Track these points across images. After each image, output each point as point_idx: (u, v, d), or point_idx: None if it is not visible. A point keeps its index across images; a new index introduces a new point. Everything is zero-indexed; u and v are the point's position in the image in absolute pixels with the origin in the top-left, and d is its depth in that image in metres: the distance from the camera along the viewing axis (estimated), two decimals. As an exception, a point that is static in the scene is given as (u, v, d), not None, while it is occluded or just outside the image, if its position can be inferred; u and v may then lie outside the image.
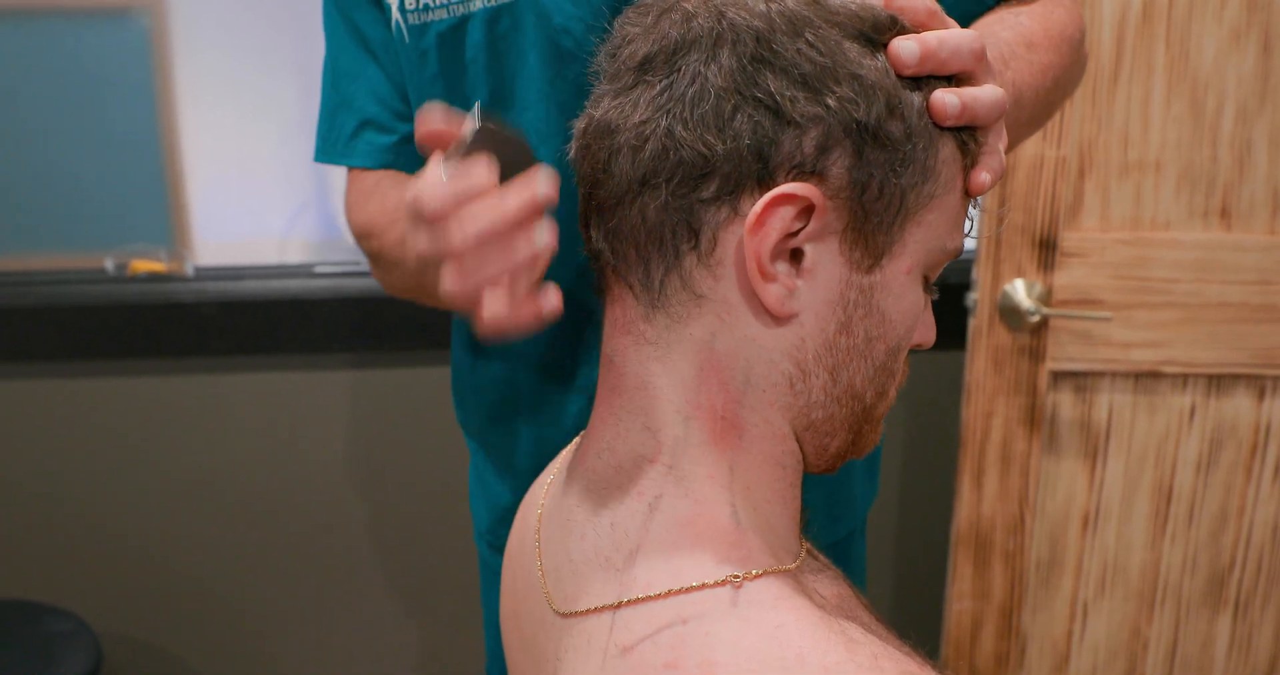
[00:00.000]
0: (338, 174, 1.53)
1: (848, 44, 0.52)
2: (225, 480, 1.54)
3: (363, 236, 0.88)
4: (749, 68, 0.52)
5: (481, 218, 0.53)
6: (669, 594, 0.53)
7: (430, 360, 1.51)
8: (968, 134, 0.55)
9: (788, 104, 0.51)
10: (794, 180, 0.51)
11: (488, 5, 0.80)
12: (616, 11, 0.69)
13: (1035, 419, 1.36)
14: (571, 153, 0.58)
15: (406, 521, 1.59)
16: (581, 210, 0.57)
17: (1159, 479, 1.38)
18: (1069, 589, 1.41)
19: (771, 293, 0.53)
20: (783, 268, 0.53)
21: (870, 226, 0.53)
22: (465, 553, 1.59)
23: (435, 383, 1.54)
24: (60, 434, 1.51)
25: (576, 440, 0.66)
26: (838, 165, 0.52)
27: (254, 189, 1.53)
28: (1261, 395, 1.35)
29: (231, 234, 1.54)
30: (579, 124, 0.57)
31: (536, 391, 0.89)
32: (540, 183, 0.54)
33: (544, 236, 0.54)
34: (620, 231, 0.55)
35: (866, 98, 0.52)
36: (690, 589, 0.53)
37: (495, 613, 0.84)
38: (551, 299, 0.56)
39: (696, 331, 0.54)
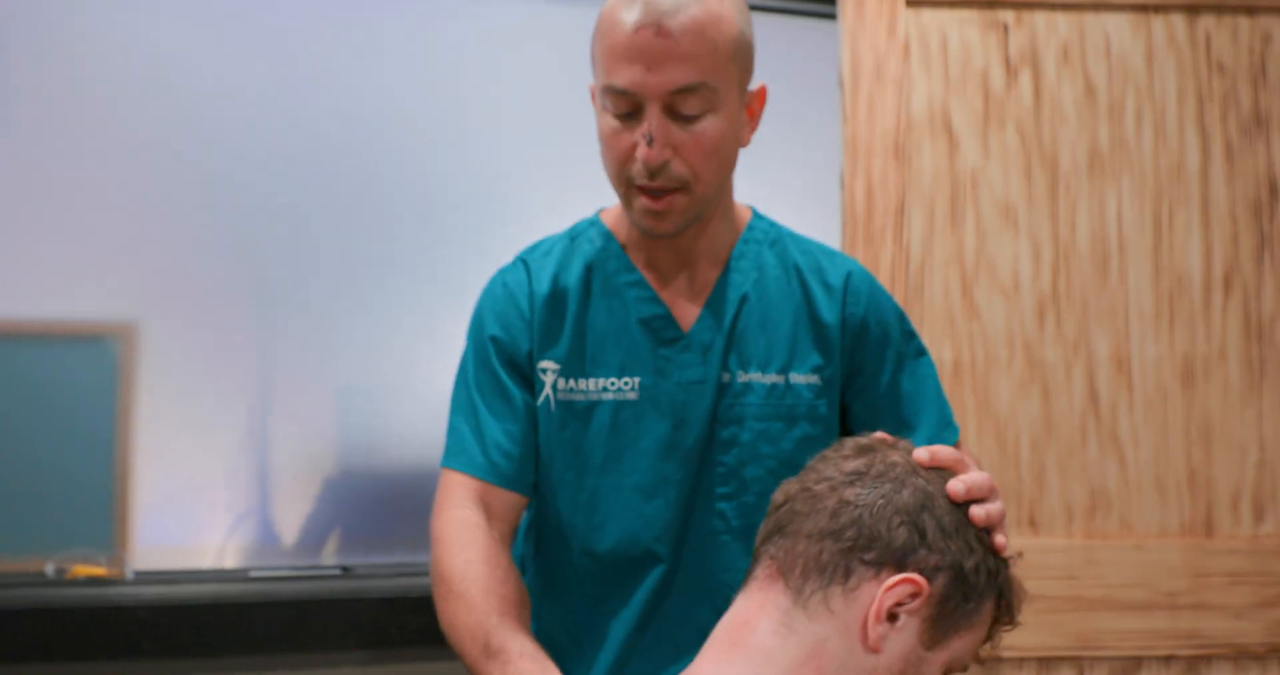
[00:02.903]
0: (282, 485, 1.69)
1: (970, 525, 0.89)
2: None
3: (439, 580, 1.08)
4: (918, 505, 0.85)
5: None
6: None
7: (362, 660, 1.60)
8: (1005, 605, 0.90)
9: (931, 536, 0.85)
10: (917, 574, 0.83)
11: (616, 399, 1.15)
12: (725, 412, 1.16)
13: (905, 701, 1.58)
14: (779, 495, 0.89)
15: None
16: (767, 528, 0.88)
17: (1011, 753, 1.59)
18: None
19: (876, 630, 0.82)
20: (886, 620, 0.83)
21: (939, 624, 0.84)
22: None
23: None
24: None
25: None
26: (939, 581, 0.84)
27: (198, 498, 1.65)
28: (1082, 673, 1.62)
29: (173, 540, 1.64)
30: (789, 486, 0.89)
31: (579, 641, 1.11)
32: None
33: None
34: (796, 552, 0.85)
35: (971, 556, 0.86)
36: None
37: None
38: None
39: (820, 631, 0.82)
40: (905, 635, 0.83)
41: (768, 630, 0.82)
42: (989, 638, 0.91)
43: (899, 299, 1.66)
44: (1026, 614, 1.59)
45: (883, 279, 1.66)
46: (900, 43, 1.69)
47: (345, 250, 1.73)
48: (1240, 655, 1.64)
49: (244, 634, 1.56)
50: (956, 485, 0.86)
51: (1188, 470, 1.68)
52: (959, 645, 0.86)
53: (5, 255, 1.62)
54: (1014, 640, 1.60)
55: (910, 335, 1.27)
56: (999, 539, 0.88)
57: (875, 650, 0.82)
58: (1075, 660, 1.62)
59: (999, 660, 1.60)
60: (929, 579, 0.83)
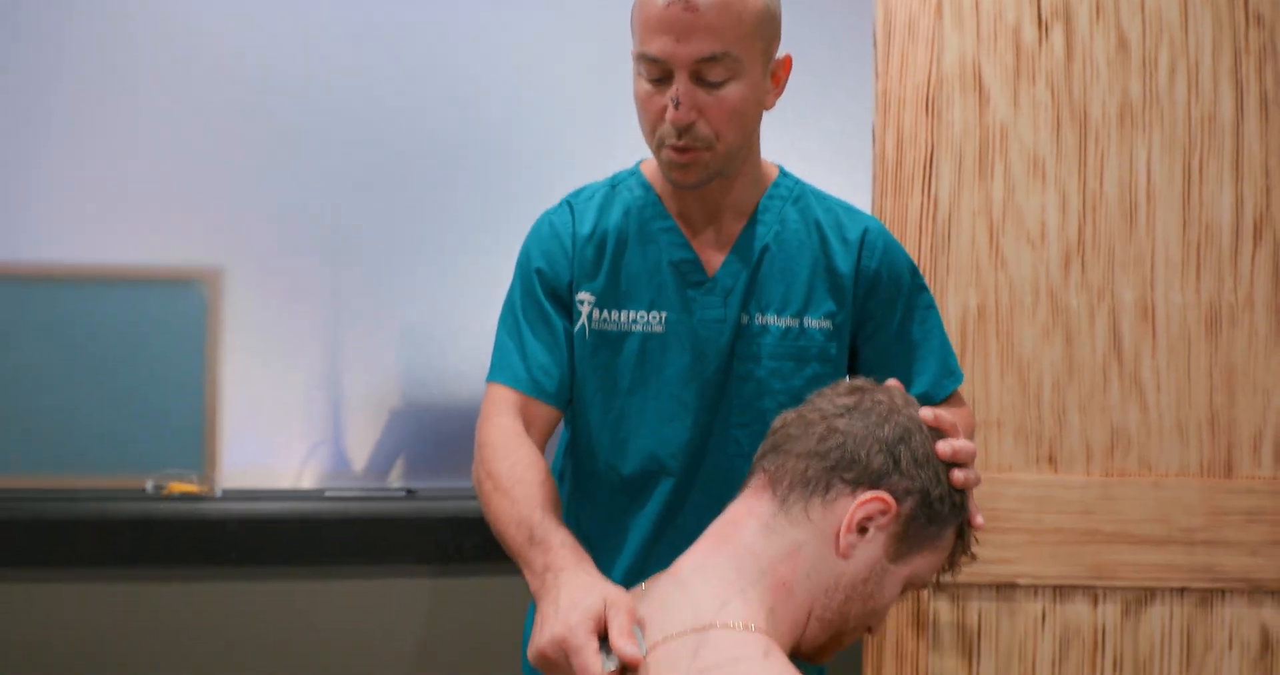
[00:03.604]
0: (353, 416, 1.85)
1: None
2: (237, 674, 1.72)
3: (487, 477, 1.19)
4: (896, 438, 0.97)
5: None
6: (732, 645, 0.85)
7: (425, 573, 1.76)
8: (968, 532, 1.01)
9: (904, 464, 0.96)
10: (888, 494, 0.94)
11: (645, 331, 1.27)
12: (743, 350, 1.26)
13: (921, 622, 1.69)
14: (778, 421, 1.01)
15: (380, 728, 1.76)
16: (765, 447, 0.99)
17: (1023, 673, 1.69)
18: (960, 777, 1.66)
19: (847, 539, 0.93)
20: (856, 531, 0.94)
21: (904, 541, 0.96)
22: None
23: (430, 594, 1.78)
24: (98, 634, 1.69)
25: (644, 584, 1.00)
26: (908, 503, 0.95)
27: (278, 426, 1.83)
28: (1095, 602, 1.71)
29: (256, 463, 1.81)
30: (788, 414, 1.01)
31: (604, 544, 1.24)
32: None
33: None
34: (786, 467, 0.96)
35: (939, 485, 0.97)
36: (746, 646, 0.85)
37: None
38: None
39: (798, 535, 0.94)
40: (873, 547, 0.94)
41: (753, 530, 0.94)
42: (950, 565, 1.02)
43: (926, 248, 1.74)
44: (1043, 544, 1.69)
45: (911, 228, 1.74)
46: (933, 1, 1.75)
47: (409, 203, 1.87)
48: (1254, 590, 1.71)
49: (318, 547, 1.73)
50: (944, 447, 0.98)
51: (1209, 413, 1.74)
52: (920, 563, 0.97)
53: (108, 208, 1.79)
54: (1029, 569, 1.69)
55: (921, 289, 1.37)
56: (977, 520, 1.00)
57: (845, 556, 0.93)
58: (1090, 589, 1.71)
59: (1012, 586, 1.69)
60: (898, 500, 0.94)
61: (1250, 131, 1.75)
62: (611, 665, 0.87)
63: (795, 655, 0.94)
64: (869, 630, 0.99)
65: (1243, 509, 1.71)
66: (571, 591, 0.95)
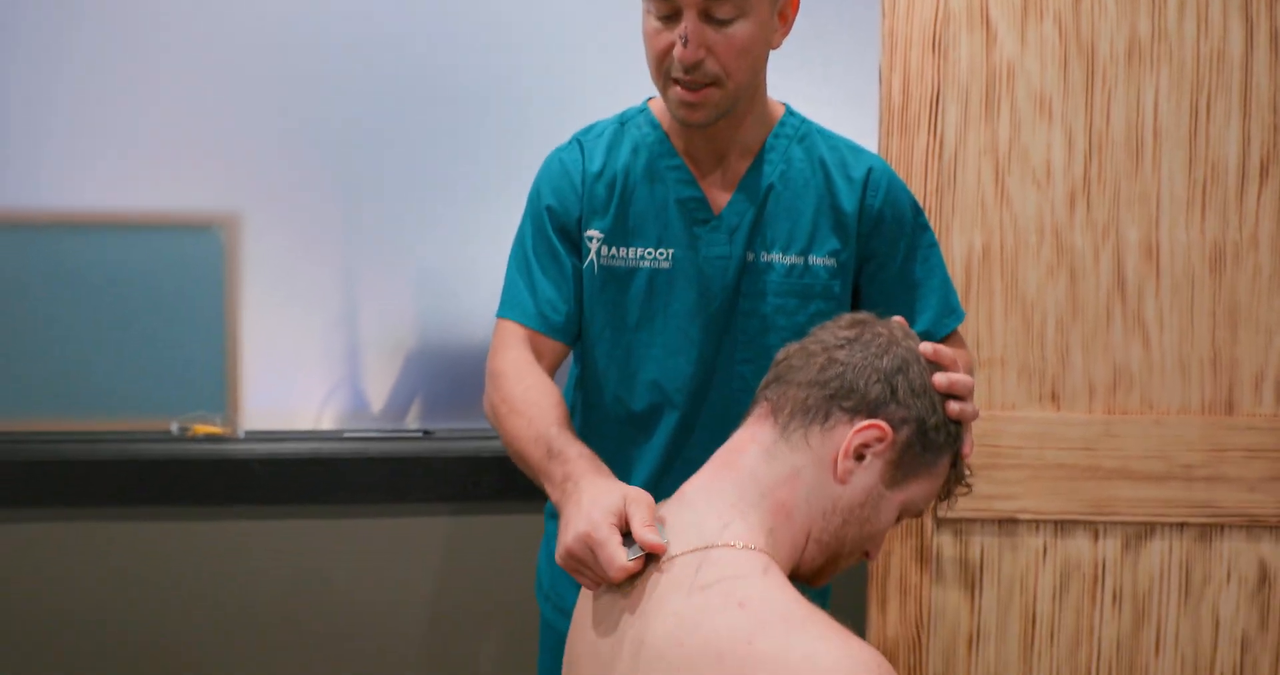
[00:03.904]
0: (370, 359, 1.89)
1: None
2: (260, 610, 1.80)
3: (501, 402, 1.23)
4: (894, 369, 0.99)
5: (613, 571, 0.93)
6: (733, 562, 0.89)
7: (441, 511, 1.82)
8: (961, 462, 1.04)
9: (901, 394, 0.98)
10: (885, 422, 0.97)
11: (652, 267, 1.30)
12: (748, 287, 1.29)
13: (924, 557, 1.73)
14: (781, 353, 1.03)
15: (414, 656, 1.83)
16: (768, 378, 1.02)
17: (1024, 606, 1.74)
18: (961, 703, 1.72)
19: (844, 465, 0.97)
20: (853, 457, 0.97)
21: (900, 468, 0.99)
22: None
23: (446, 531, 1.84)
24: (125, 573, 1.77)
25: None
26: (904, 432, 0.98)
27: (298, 369, 1.87)
28: (1096, 537, 1.75)
29: (277, 405, 1.86)
30: (790, 347, 1.03)
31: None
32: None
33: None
34: (788, 396, 0.99)
35: (934, 414, 1.00)
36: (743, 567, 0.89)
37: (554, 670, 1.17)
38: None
39: (797, 461, 0.97)
40: (869, 473, 0.97)
41: (754, 455, 0.98)
42: (946, 495, 1.05)
43: (932, 187, 1.75)
44: (1044, 480, 1.72)
45: (916, 168, 1.75)
46: (940, -62, 1.74)
47: (425, 147, 1.89)
48: (1252, 524, 1.74)
49: (339, 486, 1.79)
50: (941, 379, 1.01)
51: (1211, 352, 1.75)
52: (915, 490, 1.01)
53: (126, 154, 1.83)
54: (1031, 504, 1.73)
55: (923, 228, 1.39)
56: (964, 448, 1.03)
57: (843, 482, 0.96)
58: (1090, 524, 1.74)
59: (1014, 521, 1.73)
60: (895, 429, 0.97)
61: (1259, 68, 1.75)
62: (635, 555, 0.91)
63: (794, 577, 0.98)
64: (866, 555, 1.02)
65: (1243, 445, 1.74)
66: (593, 493, 0.99)
